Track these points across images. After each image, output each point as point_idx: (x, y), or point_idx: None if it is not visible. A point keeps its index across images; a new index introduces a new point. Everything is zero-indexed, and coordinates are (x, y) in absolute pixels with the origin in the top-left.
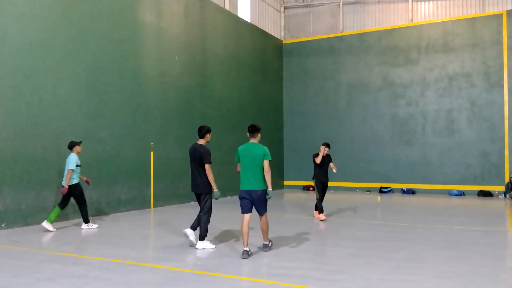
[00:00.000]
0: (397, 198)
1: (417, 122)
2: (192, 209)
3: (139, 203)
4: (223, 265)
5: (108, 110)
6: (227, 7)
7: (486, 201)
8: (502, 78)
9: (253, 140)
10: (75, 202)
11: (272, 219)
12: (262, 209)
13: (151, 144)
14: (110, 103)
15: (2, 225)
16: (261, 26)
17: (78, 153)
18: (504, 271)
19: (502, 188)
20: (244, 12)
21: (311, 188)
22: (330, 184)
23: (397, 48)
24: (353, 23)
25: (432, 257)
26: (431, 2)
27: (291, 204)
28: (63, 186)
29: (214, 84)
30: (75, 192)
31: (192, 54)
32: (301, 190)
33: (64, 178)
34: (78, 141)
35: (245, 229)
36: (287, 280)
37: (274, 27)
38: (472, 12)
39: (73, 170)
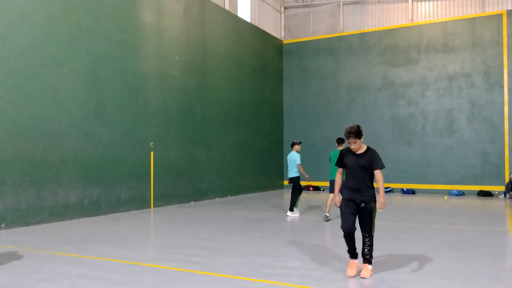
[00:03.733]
0: (397, 198)
1: (417, 122)
2: (192, 209)
3: (139, 203)
4: (223, 265)
5: (108, 110)
6: (227, 7)
7: (486, 201)
8: (502, 78)
9: (339, 148)
10: (292, 190)
11: (272, 219)
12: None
13: (151, 144)
14: (110, 103)
15: (2, 225)
16: (261, 26)
17: (297, 151)
18: (504, 271)
19: (502, 188)
20: (244, 12)
21: (311, 188)
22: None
23: (397, 48)
24: (353, 23)
25: (432, 257)
26: (431, 2)
27: None
28: (289, 177)
29: (214, 84)
30: (294, 182)
31: (192, 54)
32: None
33: (289, 171)
34: (298, 141)
35: (329, 202)
36: (287, 280)
37: (274, 27)
38: (472, 12)
39: (300, 164)
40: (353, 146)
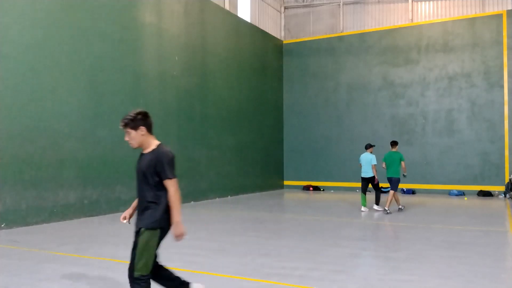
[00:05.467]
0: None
1: (417, 122)
2: (192, 209)
3: None
4: (223, 265)
5: (108, 110)
6: (227, 7)
7: (486, 201)
8: (502, 78)
9: (393, 150)
10: (373, 188)
11: (272, 219)
12: (393, 187)
13: None
14: (110, 103)
15: (2, 225)
16: (261, 26)
17: (371, 153)
18: (504, 271)
19: (502, 188)
20: (244, 12)
21: (311, 188)
22: (330, 184)
23: (397, 48)
24: (353, 23)
25: (432, 257)
26: (431, 2)
27: (291, 204)
28: (364, 177)
29: (214, 84)
30: (372, 181)
31: (192, 54)
32: (301, 190)
33: (365, 171)
34: (373, 144)
35: (397, 196)
36: (287, 280)
37: (274, 27)
38: (472, 12)
39: (375, 165)
40: (127, 139)
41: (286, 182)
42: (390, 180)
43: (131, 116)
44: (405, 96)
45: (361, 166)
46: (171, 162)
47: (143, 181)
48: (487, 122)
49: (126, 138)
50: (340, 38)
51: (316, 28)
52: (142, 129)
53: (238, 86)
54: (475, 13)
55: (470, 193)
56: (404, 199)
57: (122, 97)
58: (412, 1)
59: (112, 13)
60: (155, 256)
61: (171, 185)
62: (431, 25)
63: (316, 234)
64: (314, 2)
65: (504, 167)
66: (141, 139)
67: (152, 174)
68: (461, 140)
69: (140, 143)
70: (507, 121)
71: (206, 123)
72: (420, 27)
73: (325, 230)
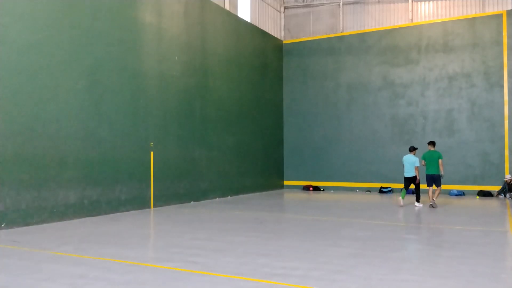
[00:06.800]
0: (397, 198)
1: (417, 122)
2: (192, 209)
3: (139, 203)
4: (223, 265)
5: (108, 110)
6: (227, 7)
7: (486, 201)
8: (502, 78)
9: (431, 149)
10: (414, 186)
11: (273, 219)
12: (438, 184)
13: (151, 144)
14: (110, 103)
15: (2, 225)
16: (261, 26)
17: (414, 155)
18: (504, 271)
19: None
20: (244, 12)
21: (311, 188)
22: (330, 184)
23: (397, 48)
24: (353, 23)
25: (432, 257)
26: (431, 2)
27: (291, 204)
28: (407, 177)
29: (214, 84)
30: (414, 180)
31: (192, 54)
32: (301, 190)
33: (408, 171)
34: (416, 147)
35: (430, 193)
36: (287, 280)
37: (274, 27)
38: (472, 12)
39: (418, 166)
40: None
41: (286, 182)
42: (431, 177)
43: None
44: (405, 96)
45: (404, 167)
46: None
47: None
48: (487, 122)
49: None
50: (340, 38)
51: (316, 28)
52: None
53: (238, 86)
54: (475, 13)
55: (470, 193)
56: (404, 199)
57: (122, 97)
58: (412, 1)
59: (112, 13)
60: None
61: None
62: (431, 25)
63: (316, 234)
64: (314, 2)
65: (504, 167)
66: None
67: None
68: (461, 140)
69: None
70: (507, 121)
71: (206, 123)
72: (420, 27)
73: (325, 230)
